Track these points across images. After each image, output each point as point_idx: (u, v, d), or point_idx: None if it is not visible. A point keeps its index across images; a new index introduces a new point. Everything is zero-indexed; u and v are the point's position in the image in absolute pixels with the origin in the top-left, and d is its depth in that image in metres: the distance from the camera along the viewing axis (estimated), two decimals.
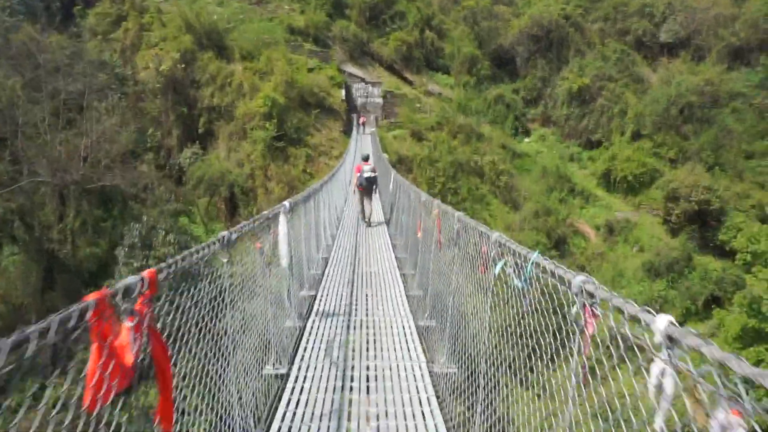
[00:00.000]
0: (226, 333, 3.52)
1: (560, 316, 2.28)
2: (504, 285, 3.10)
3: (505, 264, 2.76)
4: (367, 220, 14.55)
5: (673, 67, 40.83)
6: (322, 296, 8.04)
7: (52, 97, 27.06)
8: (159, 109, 33.16)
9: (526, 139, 42.71)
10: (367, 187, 14.06)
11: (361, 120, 37.70)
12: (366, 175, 13.95)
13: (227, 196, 29.91)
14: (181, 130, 33.15)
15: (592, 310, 1.94)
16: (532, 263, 2.54)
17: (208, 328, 3.11)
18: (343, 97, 37.69)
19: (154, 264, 14.63)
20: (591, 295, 1.94)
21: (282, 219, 5.63)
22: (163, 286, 2.25)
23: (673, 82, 37.70)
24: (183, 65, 32.75)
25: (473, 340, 4.09)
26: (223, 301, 3.49)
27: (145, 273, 2.04)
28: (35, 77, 26.76)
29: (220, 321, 3.42)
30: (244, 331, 4.14)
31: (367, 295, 8.15)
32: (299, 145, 31.94)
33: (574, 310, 2.07)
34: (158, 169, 31.81)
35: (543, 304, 2.57)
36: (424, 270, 7.09)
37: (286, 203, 5.94)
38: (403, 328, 6.58)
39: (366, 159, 14.98)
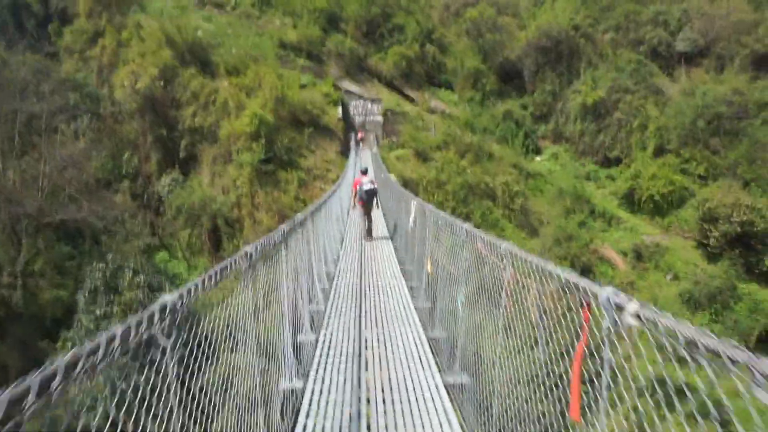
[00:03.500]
0: None
1: None
2: None
3: None
4: (369, 235, 14.06)
5: (695, 77, 37.80)
6: None
7: (12, 120, 23.95)
8: (136, 131, 30.05)
9: (538, 158, 39.57)
10: (368, 201, 13.60)
11: (359, 135, 34.29)
12: (366, 187, 13.57)
13: (210, 227, 26.54)
14: (160, 154, 29.98)
15: None
16: None
17: None
18: (340, 116, 34.45)
19: (119, 311, 10.39)
20: None
21: None
22: None
23: (698, 93, 34.60)
24: (162, 82, 29.63)
25: None
26: None
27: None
28: None
29: None
30: None
31: None
32: (291, 168, 28.58)
33: None
34: (135, 199, 28.61)
35: None
36: None
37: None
38: None
39: (365, 172, 14.59)
